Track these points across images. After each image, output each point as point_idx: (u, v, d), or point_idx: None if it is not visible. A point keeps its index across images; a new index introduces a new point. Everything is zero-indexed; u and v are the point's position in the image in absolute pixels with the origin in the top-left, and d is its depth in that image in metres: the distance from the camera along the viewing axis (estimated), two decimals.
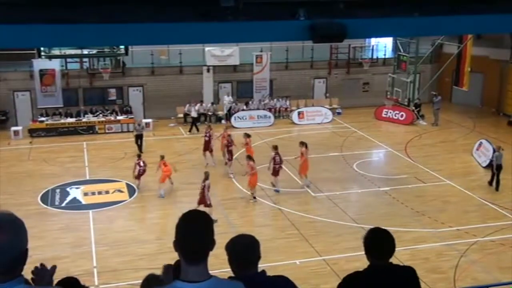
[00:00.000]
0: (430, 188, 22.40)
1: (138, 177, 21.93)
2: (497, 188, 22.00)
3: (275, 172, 21.92)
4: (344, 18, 5.09)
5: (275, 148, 22.31)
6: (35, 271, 3.26)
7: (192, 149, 27.30)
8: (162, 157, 21.85)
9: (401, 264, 4.35)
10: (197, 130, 30.14)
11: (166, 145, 28.05)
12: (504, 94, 34.04)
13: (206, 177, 19.15)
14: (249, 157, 21.31)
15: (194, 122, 30.83)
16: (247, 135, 24.51)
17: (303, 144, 22.53)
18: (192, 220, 3.18)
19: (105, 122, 30.90)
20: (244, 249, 3.74)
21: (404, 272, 4.29)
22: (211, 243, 3.16)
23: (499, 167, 22.17)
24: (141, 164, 21.93)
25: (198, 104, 31.88)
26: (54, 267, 3.33)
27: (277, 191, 21.82)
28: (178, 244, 3.15)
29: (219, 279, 3.16)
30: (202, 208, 18.12)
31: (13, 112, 31.43)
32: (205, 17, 4.82)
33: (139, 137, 27.06)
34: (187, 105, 31.94)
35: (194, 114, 31.14)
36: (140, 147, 26.72)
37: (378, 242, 4.21)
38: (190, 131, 30.62)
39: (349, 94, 35.53)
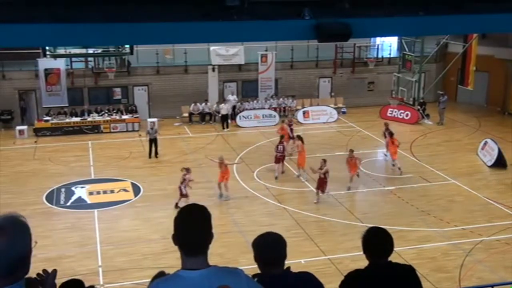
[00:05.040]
0: (435, 187, 22.35)
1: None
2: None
3: (277, 160, 23.29)
4: (349, 18, 5.10)
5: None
6: (39, 277, 3.19)
7: (197, 148, 27.35)
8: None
9: (401, 263, 4.36)
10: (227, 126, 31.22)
11: (171, 144, 28.07)
12: (509, 93, 33.90)
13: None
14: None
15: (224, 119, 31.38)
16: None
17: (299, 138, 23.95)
18: (190, 214, 3.23)
19: (110, 122, 30.94)
20: (271, 247, 3.75)
21: (404, 270, 4.31)
22: (209, 237, 3.19)
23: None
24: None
25: (203, 104, 32.02)
26: (54, 271, 3.19)
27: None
28: (177, 238, 3.20)
29: (218, 267, 3.18)
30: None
31: (18, 112, 31.50)
32: (210, 16, 4.84)
33: (152, 141, 25.83)
34: (192, 105, 32.07)
35: (224, 111, 31.46)
36: (155, 151, 25.92)
37: (377, 241, 4.22)
38: (224, 128, 31.17)
39: (354, 93, 35.49)
